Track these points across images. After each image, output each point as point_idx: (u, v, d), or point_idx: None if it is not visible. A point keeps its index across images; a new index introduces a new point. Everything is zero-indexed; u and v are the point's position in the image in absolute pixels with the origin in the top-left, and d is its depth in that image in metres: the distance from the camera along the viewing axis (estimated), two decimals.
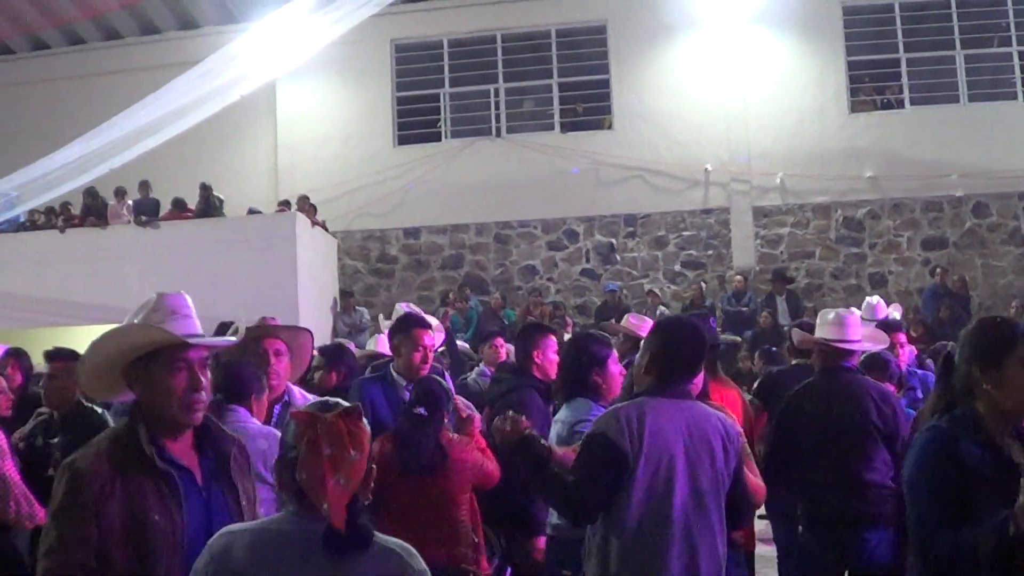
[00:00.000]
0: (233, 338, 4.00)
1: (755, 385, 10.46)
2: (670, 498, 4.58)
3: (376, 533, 3.11)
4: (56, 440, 7.03)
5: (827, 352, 7.24)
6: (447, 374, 8.14)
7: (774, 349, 15.21)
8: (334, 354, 9.04)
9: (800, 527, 7.23)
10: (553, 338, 7.44)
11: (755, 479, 5.39)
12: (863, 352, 7.84)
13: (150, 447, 3.58)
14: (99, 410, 7.33)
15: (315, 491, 2.98)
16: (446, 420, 6.58)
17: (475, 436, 6.73)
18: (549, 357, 7.10)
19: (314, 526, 3.02)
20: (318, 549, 3.00)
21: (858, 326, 7.35)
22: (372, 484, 3.20)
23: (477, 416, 6.97)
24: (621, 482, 4.59)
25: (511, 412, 5.06)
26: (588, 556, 4.84)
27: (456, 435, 6.67)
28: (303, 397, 6.06)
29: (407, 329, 7.36)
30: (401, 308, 9.95)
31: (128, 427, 3.68)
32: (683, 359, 4.87)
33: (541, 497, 5.37)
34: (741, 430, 5.15)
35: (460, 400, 7.18)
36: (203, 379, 3.71)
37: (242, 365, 5.78)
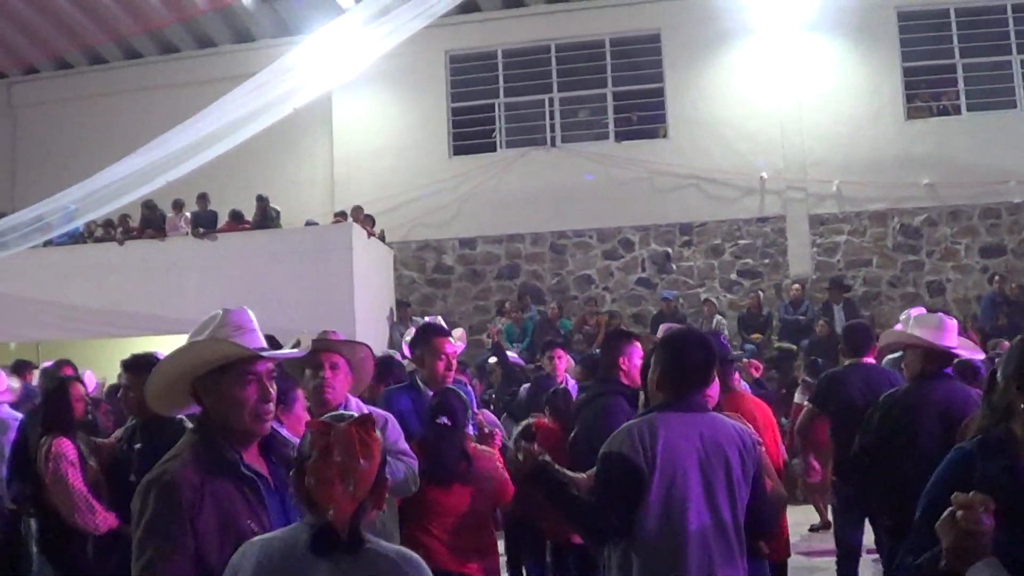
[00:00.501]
0: (297, 350, 4.25)
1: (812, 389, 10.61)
2: (686, 511, 4.66)
3: (372, 539, 3.13)
4: (137, 447, 7.19)
5: (928, 355, 7.18)
6: (469, 386, 8.29)
7: (819, 361, 15.36)
8: (383, 366, 9.03)
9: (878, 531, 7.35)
10: (639, 344, 7.56)
11: (779, 487, 5.55)
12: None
13: (232, 454, 3.73)
14: (179, 417, 7.51)
15: (322, 496, 3.02)
16: (469, 430, 6.83)
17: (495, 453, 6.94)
18: (635, 363, 7.18)
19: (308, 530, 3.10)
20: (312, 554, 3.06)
21: (955, 331, 7.28)
22: (385, 495, 3.23)
23: (500, 433, 7.31)
24: (639, 498, 4.68)
25: (524, 442, 5.20)
26: (608, 570, 4.97)
27: (481, 446, 6.90)
28: (358, 408, 6.12)
29: (428, 339, 7.59)
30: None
31: (204, 438, 3.81)
32: (692, 372, 4.93)
33: (563, 520, 5.38)
34: (759, 439, 5.27)
35: (485, 415, 7.44)
36: (271, 390, 3.84)
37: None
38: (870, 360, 9.15)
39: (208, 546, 3.54)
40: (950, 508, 3.18)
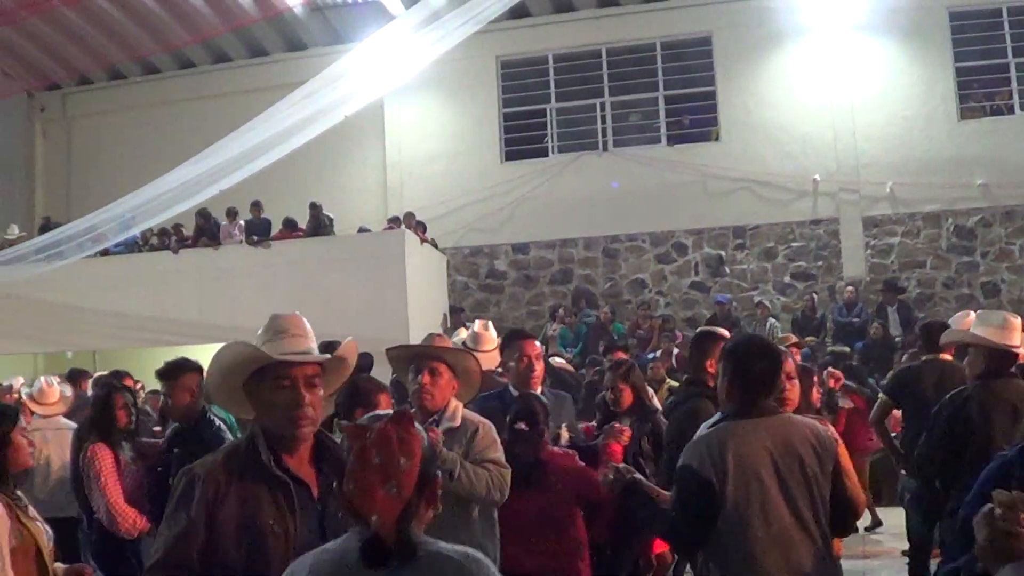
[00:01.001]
0: (327, 355, 4.06)
1: (886, 381, 10.71)
2: (766, 514, 4.75)
3: (431, 541, 2.95)
4: (176, 451, 7.51)
5: (994, 355, 7.07)
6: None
7: (854, 364, 15.37)
8: None
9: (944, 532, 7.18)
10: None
11: (857, 490, 5.37)
12: None
13: (267, 454, 3.81)
14: (216, 423, 7.79)
15: (364, 503, 2.86)
16: (546, 435, 6.88)
17: (613, 446, 7.27)
18: None
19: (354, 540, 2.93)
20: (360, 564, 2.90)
21: (1019, 330, 7.17)
22: (439, 492, 3.05)
23: (627, 429, 7.55)
24: (714, 509, 4.78)
25: (612, 463, 5.67)
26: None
27: (560, 448, 7.05)
28: (452, 415, 6.22)
29: (511, 341, 7.90)
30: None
31: (248, 439, 3.92)
32: (758, 379, 4.99)
33: (656, 530, 5.68)
34: (836, 437, 5.24)
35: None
36: (305, 395, 3.85)
37: (355, 381, 5.97)
38: (947, 357, 9.22)
39: (226, 539, 3.70)
40: (989, 505, 3.33)
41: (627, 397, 8.37)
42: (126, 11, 24.70)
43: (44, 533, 5.25)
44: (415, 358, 6.28)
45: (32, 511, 5.30)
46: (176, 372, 7.71)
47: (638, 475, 5.50)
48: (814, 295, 22.43)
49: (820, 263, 23.10)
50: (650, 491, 5.40)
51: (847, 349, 19.71)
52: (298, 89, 19.73)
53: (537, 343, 8.17)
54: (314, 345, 4.04)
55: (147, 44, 25.77)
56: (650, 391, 10.61)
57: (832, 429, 5.36)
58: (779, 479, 4.79)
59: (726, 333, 7.52)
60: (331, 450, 3.92)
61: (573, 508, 6.64)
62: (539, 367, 7.81)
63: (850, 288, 22.03)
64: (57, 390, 10.59)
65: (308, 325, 4.09)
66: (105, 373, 12.34)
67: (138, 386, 13.75)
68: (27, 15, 23.56)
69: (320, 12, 25.56)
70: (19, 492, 5.37)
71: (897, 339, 20.01)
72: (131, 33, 25.49)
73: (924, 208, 22.66)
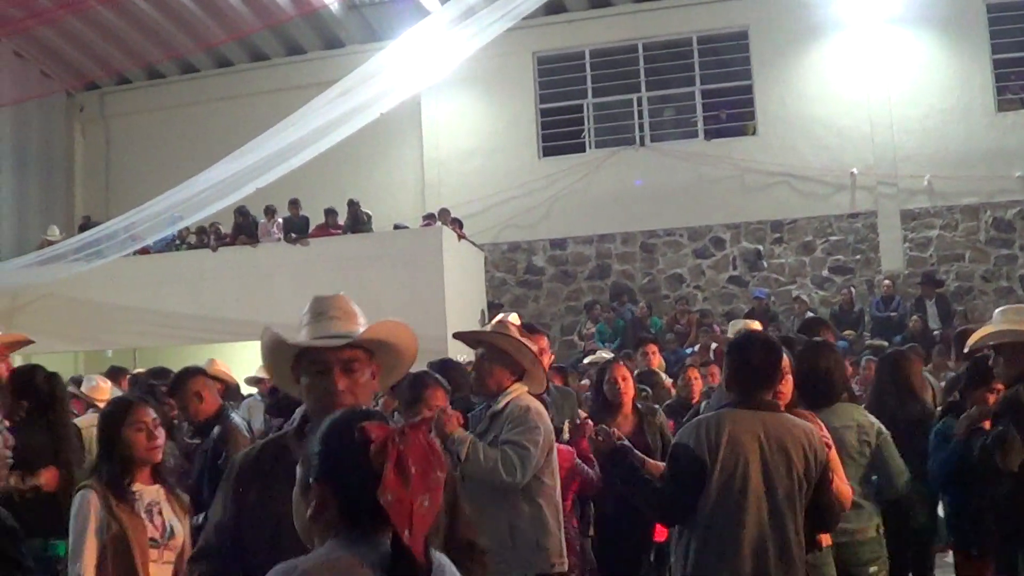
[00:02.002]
0: (340, 341, 3.78)
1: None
2: (743, 502, 5.04)
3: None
4: (197, 444, 8.00)
5: None
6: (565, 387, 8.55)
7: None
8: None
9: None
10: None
11: (844, 486, 5.74)
12: None
13: (295, 443, 3.75)
14: (236, 420, 8.13)
15: (401, 515, 2.61)
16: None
17: (583, 443, 7.26)
18: None
19: (366, 552, 2.67)
20: None
21: None
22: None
23: (589, 424, 7.41)
24: (702, 487, 5.11)
25: (603, 426, 5.81)
26: (675, 555, 5.46)
27: (561, 443, 7.18)
28: (503, 398, 6.35)
29: None
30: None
31: (298, 425, 3.91)
32: (757, 372, 5.30)
33: (634, 500, 5.78)
34: (829, 441, 5.52)
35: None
36: (340, 381, 3.73)
37: (416, 374, 6.26)
38: None
39: (247, 521, 3.75)
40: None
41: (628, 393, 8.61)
42: (163, 10, 25.13)
43: (147, 531, 5.46)
44: (478, 343, 6.55)
45: (141, 507, 5.51)
46: (181, 383, 8.12)
47: (627, 443, 5.73)
48: (852, 289, 22.65)
49: (858, 257, 23.33)
50: (636, 460, 5.65)
51: (885, 343, 19.82)
52: (334, 86, 19.98)
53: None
54: (360, 328, 3.87)
55: (184, 43, 26.25)
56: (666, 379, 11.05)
57: (826, 433, 5.63)
58: (764, 471, 5.08)
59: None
60: None
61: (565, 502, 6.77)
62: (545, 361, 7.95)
63: (888, 282, 22.23)
64: (109, 386, 10.95)
65: (353, 306, 3.97)
66: (143, 371, 12.59)
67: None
68: (65, 15, 23.90)
69: (356, 10, 26.01)
70: (137, 486, 5.58)
71: (936, 332, 20.18)
72: (168, 32, 25.98)
73: (962, 201, 22.83)
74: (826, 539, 5.83)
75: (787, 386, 5.79)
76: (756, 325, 10.65)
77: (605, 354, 16.56)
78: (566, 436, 7.75)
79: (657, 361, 12.10)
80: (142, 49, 26.51)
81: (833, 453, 5.60)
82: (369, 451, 2.64)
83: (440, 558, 2.85)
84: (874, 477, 6.56)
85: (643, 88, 25.30)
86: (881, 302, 21.92)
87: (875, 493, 6.58)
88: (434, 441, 2.75)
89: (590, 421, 7.56)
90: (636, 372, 11.83)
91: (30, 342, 8.20)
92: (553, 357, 11.32)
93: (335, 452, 2.75)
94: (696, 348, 19.31)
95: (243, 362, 17.96)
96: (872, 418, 6.66)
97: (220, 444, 7.33)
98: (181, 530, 5.61)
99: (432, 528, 2.66)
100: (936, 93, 23.15)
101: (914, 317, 20.86)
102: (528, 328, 7.93)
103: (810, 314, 21.01)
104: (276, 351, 3.94)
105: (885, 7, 23.32)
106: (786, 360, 5.87)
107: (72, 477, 6.79)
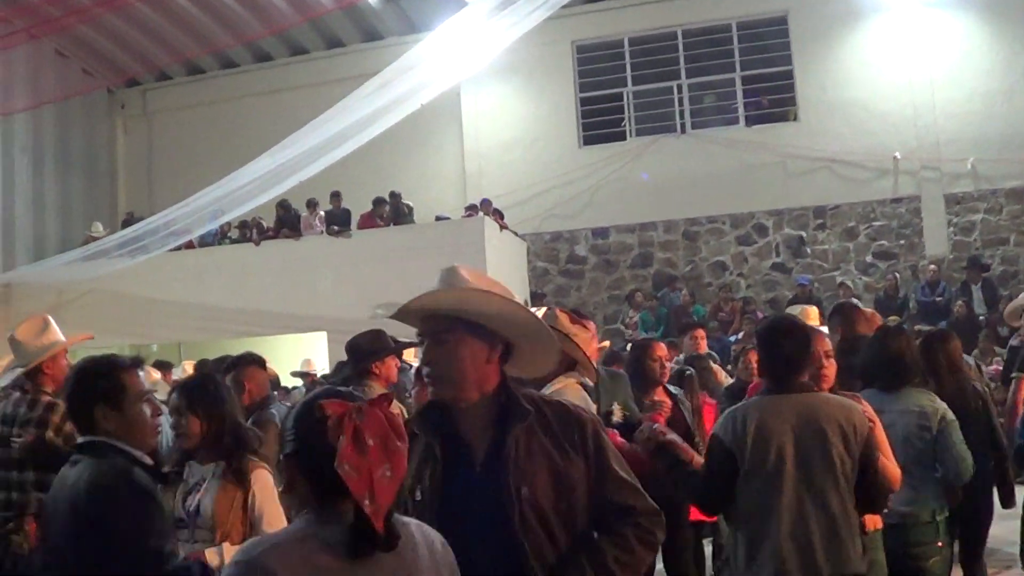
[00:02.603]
0: (391, 310, 3.71)
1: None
2: (778, 490, 5.08)
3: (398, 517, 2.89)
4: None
5: None
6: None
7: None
8: None
9: None
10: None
11: (891, 465, 5.65)
12: None
13: (434, 413, 3.79)
14: (271, 412, 8.03)
15: (360, 486, 2.67)
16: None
17: (657, 418, 7.18)
18: None
19: (333, 528, 2.76)
20: (337, 554, 2.74)
21: None
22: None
23: (667, 402, 7.88)
24: (734, 475, 5.21)
25: (646, 422, 5.88)
26: (728, 549, 5.61)
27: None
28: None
29: None
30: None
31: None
32: (787, 356, 5.31)
33: (678, 489, 5.78)
34: (873, 419, 5.54)
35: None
36: (429, 353, 3.70)
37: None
38: None
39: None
40: None
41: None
42: (202, 6, 25.49)
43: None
44: None
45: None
46: (228, 371, 8.18)
47: (675, 437, 5.70)
48: (896, 274, 22.69)
49: (902, 242, 23.36)
50: (684, 453, 5.61)
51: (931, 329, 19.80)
52: (374, 78, 20.33)
53: None
54: (443, 293, 3.72)
55: (224, 38, 26.51)
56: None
57: (869, 410, 5.67)
58: (798, 455, 5.10)
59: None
60: (518, 410, 3.68)
61: None
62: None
63: (932, 267, 22.24)
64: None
65: (462, 275, 3.81)
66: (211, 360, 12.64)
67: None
68: (105, 12, 24.14)
69: (395, 1, 26.22)
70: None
71: (981, 317, 20.25)
72: (208, 27, 26.30)
73: (1007, 184, 22.82)
74: (872, 521, 5.87)
75: (830, 369, 5.86)
76: (813, 312, 10.77)
77: None
78: (616, 419, 7.73)
79: (704, 345, 12.22)
80: (182, 45, 26.79)
81: (880, 432, 5.67)
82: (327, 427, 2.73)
83: (413, 527, 2.97)
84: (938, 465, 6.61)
85: (683, 75, 25.43)
86: (926, 287, 21.94)
87: (940, 479, 6.63)
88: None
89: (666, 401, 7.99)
90: (683, 355, 12.03)
91: (89, 338, 8.36)
92: (608, 344, 11.47)
93: (300, 429, 2.86)
94: (740, 335, 19.40)
95: (286, 355, 18.16)
96: (940, 403, 6.69)
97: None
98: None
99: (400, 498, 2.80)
100: (978, 76, 23.10)
101: (959, 302, 20.91)
102: (576, 314, 8.07)
103: (854, 300, 21.14)
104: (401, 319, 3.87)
105: None
106: (828, 344, 6.00)
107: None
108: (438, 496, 3.62)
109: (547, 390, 6.15)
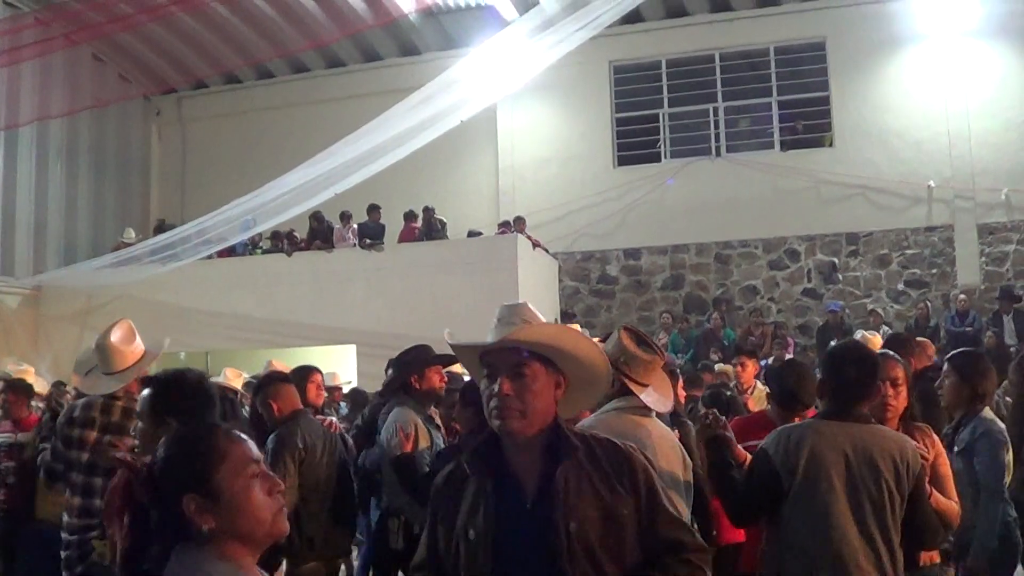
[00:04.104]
0: (480, 343, 3.83)
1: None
2: (829, 516, 4.96)
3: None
4: None
5: None
6: None
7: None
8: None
9: None
10: None
11: (947, 502, 5.65)
12: None
13: (484, 449, 3.90)
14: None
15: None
16: None
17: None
18: None
19: None
20: None
21: None
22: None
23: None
24: (775, 494, 5.10)
25: (716, 412, 5.75)
26: (761, 561, 5.41)
27: None
28: None
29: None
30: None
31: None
32: (849, 384, 5.21)
33: (716, 491, 5.68)
34: (926, 454, 5.50)
35: None
36: (499, 385, 3.71)
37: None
38: None
39: (437, 539, 3.94)
40: None
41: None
42: (242, 16, 26.02)
43: None
44: None
45: None
46: (259, 388, 8.65)
47: (730, 434, 5.70)
48: (928, 303, 22.94)
49: (934, 271, 23.65)
50: (735, 455, 5.64)
51: (937, 363, 19.83)
52: (415, 93, 20.77)
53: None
54: (544, 328, 3.87)
55: (263, 49, 27.05)
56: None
57: (925, 446, 5.66)
58: (850, 486, 5.01)
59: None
60: (567, 446, 3.76)
61: None
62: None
63: (962, 296, 22.42)
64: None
65: (534, 314, 4.02)
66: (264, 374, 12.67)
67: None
68: (144, 20, 24.50)
69: (434, 17, 26.67)
70: None
71: (1012, 348, 20.30)
72: (247, 38, 26.91)
73: None
74: (929, 556, 5.79)
75: (900, 399, 5.83)
76: (877, 339, 10.83)
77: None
78: None
79: (753, 373, 12.29)
80: (220, 54, 27.35)
81: (944, 467, 5.79)
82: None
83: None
84: None
85: (719, 98, 25.84)
86: (957, 317, 22.05)
87: None
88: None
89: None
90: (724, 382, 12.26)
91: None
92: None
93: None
94: (770, 360, 19.57)
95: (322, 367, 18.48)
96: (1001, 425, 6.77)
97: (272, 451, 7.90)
98: None
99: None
100: (1014, 106, 23.43)
101: (989, 332, 21.03)
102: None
103: (885, 328, 21.26)
104: (461, 357, 4.15)
105: (963, 20, 23.67)
106: (901, 372, 5.94)
107: None
108: (491, 536, 3.67)
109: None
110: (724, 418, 5.81)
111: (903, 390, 5.84)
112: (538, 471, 3.73)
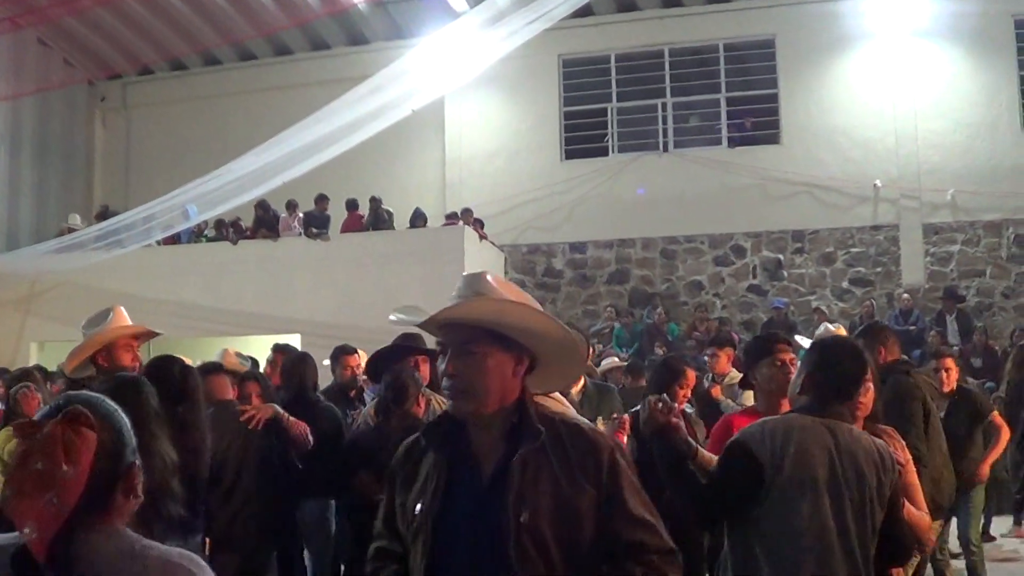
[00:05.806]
0: (421, 317, 3.73)
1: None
2: (811, 516, 4.55)
3: (147, 543, 2.66)
4: None
5: None
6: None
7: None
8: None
9: None
10: None
11: (918, 513, 5.39)
12: None
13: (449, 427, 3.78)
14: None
15: (18, 512, 2.51)
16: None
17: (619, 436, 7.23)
18: None
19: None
20: None
21: None
22: (135, 483, 2.71)
23: (626, 417, 7.68)
24: (753, 493, 4.64)
25: (666, 397, 5.20)
26: (724, 564, 4.96)
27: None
28: None
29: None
30: None
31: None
32: (840, 380, 4.86)
33: (672, 491, 5.01)
34: (902, 461, 5.24)
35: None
36: (446, 365, 3.59)
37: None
38: None
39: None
40: None
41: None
42: (190, 2, 26.20)
43: None
44: None
45: None
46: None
47: (681, 423, 5.21)
48: (872, 301, 23.22)
49: (879, 269, 24.01)
50: (686, 446, 5.23)
51: (905, 357, 20.06)
52: (363, 83, 20.83)
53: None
54: (481, 303, 3.61)
55: (210, 36, 27.21)
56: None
57: (900, 452, 5.42)
58: (832, 486, 4.61)
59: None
60: (529, 430, 3.55)
61: None
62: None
63: (907, 296, 22.80)
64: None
65: (489, 284, 3.72)
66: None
67: None
68: (90, 5, 24.49)
69: (383, 7, 26.88)
70: None
71: (955, 348, 20.55)
72: (194, 24, 27.02)
73: (985, 217, 23.49)
74: (897, 573, 5.41)
75: (868, 397, 5.29)
76: (842, 331, 10.82)
77: (617, 359, 17.06)
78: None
79: (722, 363, 11.96)
80: (167, 41, 27.49)
81: (911, 475, 5.54)
82: None
83: (152, 554, 2.65)
84: None
85: (668, 94, 26.08)
86: (900, 316, 22.29)
87: None
88: (78, 433, 2.59)
89: (627, 417, 7.52)
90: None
91: (155, 335, 7.60)
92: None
93: None
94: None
95: (261, 356, 18.56)
96: None
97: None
98: None
99: (74, 525, 2.54)
100: (962, 108, 23.82)
101: (934, 332, 21.42)
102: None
103: (826, 325, 21.30)
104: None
105: (913, 20, 24.06)
106: (872, 368, 5.42)
107: None
108: (435, 512, 3.54)
109: None
110: (674, 405, 5.29)
111: (871, 387, 5.34)
112: (498, 454, 3.58)
